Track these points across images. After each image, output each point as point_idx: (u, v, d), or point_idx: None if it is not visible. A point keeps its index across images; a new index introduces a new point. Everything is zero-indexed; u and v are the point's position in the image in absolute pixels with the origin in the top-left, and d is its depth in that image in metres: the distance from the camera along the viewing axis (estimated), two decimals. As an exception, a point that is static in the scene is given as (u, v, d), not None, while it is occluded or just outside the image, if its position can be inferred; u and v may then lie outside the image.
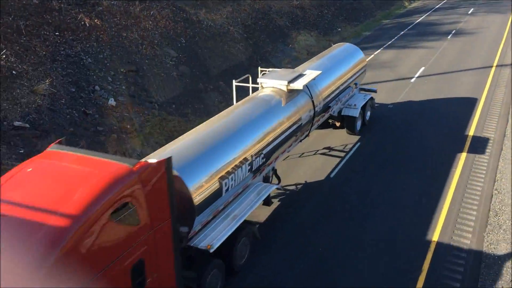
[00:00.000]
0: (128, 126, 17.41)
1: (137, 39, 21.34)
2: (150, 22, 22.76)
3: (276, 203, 13.82)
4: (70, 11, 19.67)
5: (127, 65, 19.85)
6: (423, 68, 26.21)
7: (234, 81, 16.42)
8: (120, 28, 21.07)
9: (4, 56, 15.54)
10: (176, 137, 17.77)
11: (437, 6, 47.55)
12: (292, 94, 14.06)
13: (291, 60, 28.58)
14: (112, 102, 17.82)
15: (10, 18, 17.15)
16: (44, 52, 17.23)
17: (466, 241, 11.71)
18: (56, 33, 18.33)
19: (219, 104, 21.46)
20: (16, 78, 15.49)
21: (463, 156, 15.92)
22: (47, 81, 16.20)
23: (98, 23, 20.35)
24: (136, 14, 22.48)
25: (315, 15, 35.76)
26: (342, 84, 16.89)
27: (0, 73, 15.08)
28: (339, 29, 36.65)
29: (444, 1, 49.23)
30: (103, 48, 19.57)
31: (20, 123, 14.43)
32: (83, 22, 19.63)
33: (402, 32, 36.11)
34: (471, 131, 17.76)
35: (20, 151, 13.85)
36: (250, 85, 16.24)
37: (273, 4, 32.49)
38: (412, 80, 24.23)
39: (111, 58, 19.53)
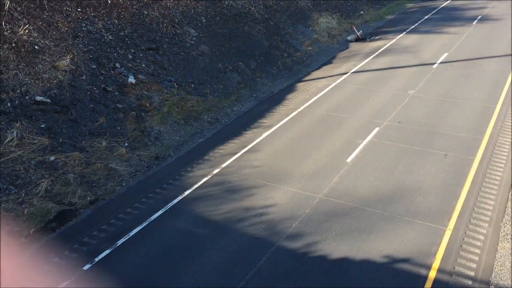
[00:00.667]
0: (147, 104, 17.52)
1: (158, 17, 21.31)
2: (172, 0, 22.68)
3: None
4: (92, -12, 19.69)
5: (147, 43, 19.88)
6: (446, 54, 25.68)
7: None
8: (141, 5, 21.05)
9: (27, 31, 15.68)
10: (194, 117, 18.04)
11: None
12: None
13: (312, 42, 28.26)
14: (132, 79, 17.91)
15: (33, -7, 17.24)
16: (66, 28, 17.35)
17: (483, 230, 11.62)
18: (78, 9, 18.40)
19: (238, 85, 21.42)
20: (39, 53, 15.65)
21: (484, 142, 15.65)
22: (68, 57, 16.34)
23: (120, 0, 20.35)
24: (158, -8, 22.39)
25: None
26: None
27: (23, 47, 15.26)
28: (362, 12, 36.02)
29: (472, -14, 47.91)
30: (124, 26, 19.61)
31: (42, 98, 14.63)
32: (105, -1, 19.65)
33: (426, 17, 35.31)
34: (492, 120, 17.44)
35: (41, 126, 14.08)
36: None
37: (296, -15, 32.01)
38: (435, 66, 23.78)
39: (131, 36, 19.57)
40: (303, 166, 14.55)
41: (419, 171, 14.15)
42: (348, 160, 14.85)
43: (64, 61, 16.06)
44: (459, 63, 24.21)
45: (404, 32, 30.86)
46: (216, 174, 14.30)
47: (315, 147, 15.79)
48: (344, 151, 15.41)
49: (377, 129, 16.92)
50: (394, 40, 29.06)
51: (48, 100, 14.77)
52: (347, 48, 28.69)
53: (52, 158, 13.46)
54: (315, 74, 23.86)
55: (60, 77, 15.66)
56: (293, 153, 15.42)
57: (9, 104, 13.70)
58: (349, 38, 30.06)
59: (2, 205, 11.53)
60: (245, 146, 16.01)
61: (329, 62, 26.10)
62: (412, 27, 32.25)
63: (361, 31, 30.63)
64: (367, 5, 37.73)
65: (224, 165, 14.82)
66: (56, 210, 12.19)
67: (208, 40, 22.55)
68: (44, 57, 15.69)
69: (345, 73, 23.21)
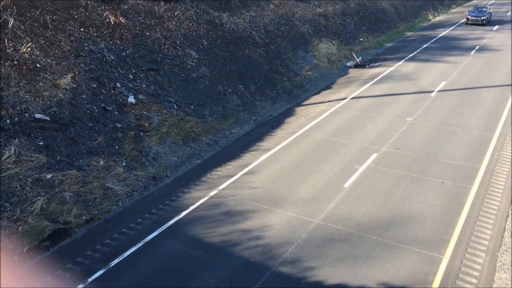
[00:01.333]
0: (146, 124, 17.57)
1: (159, 39, 21.55)
2: (174, 23, 22.97)
3: (288, 209, 13.75)
4: (96, 8, 19.96)
5: (148, 64, 20.06)
6: (444, 82, 25.94)
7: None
8: (144, 27, 21.31)
9: (29, 49, 15.82)
10: (193, 138, 18.07)
11: (461, 21, 47.11)
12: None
13: (311, 67, 28.54)
14: (131, 99, 18.00)
15: (38, 12, 17.46)
16: (68, 47, 17.51)
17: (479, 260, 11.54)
18: (81, 29, 18.61)
19: (237, 108, 21.53)
20: (40, 71, 15.76)
21: (480, 172, 15.69)
22: (69, 75, 16.45)
23: (123, 21, 20.61)
24: (161, 14, 22.70)
25: (337, 23, 35.69)
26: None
27: (25, 65, 15.36)
28: (361, 39, 36.50)
29: (470, 16, 48.71)
30: (126, 46, 19.81)
31: (41, 115, 14.66)
32: (108, 20, 19.90)
33: (425, 45, 35.80)
34: (489, 149, 17.51)
35: (39, 143, 14.08)
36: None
37: (297, 11, 32.52)
38: (433, 94, 23.99)
39: (133, 56, 19.75)
40: (300, 190, 14.53)
41: (417, 198, 14.13)
42: (346, 185, 14.83)
43: (65, 80, 16.16)
44: (457, 91, 24.44)
45: (403, 60, 31.22)
46: (213, 196, 14.25)
47: (313, 171, 15.80)
48: (342, 176, 15.41)
49: (375, 155, 16.96)
50: (393, 67, 29.38)
51: (48, 118, 14.81)
52: (346, 74, 28.98)
53: (49, 176, 13.42)
54: (314, 99, 24.03)
55: (61, 95, 15.73)
56: (290, 177, 15.41)
57: (8, 121, 13.72)
58: (348, 64, 30.39)
59: (-4, 222, 11.45)
60: (243, 169, 16.00)
61: (328, 87, 26.31)
62: (411, 55, 32.65)
63: (360, 57, 31.00)
64: (367, 33, 38.26)
65: (221, 187, 14.78)
66: (51, 228, 12.09)
67: (209, 62, 22.76)
68: (45, 75, 15.80)
69: (344, 99, 23.38)
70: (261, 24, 28.42)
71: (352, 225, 12.71)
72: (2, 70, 14.58)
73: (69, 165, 14.34)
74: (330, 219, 12.95)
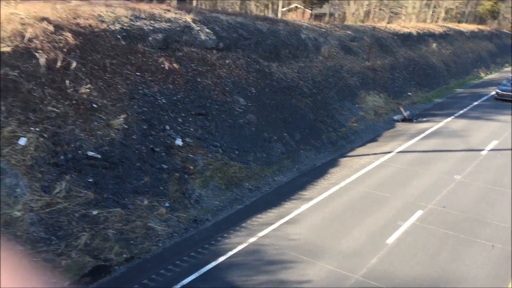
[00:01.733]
0: (191, 167, 17.91)
1: (210, 85, 22.28)
2: (224, 70, 23.75)
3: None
4: (152, 54, 21.00)
5: (197, 108, 20.69)
6: (496, 141, 25.18)
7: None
8: (196, 73, 22.15)
9: (88, 90, 16.73)
10: (236, 183, 18.21)
11: None
12: None
13: (358, 119, 28.50)
14: (179, 142, 18.50)
15: (99, 56, 18.56)
16: (124, 90, 18.39)
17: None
18: (137, 73, 19.56)
19: (281, 155, 21.64)
20: (96, 111, 16.57)
21: (534, 239, 14.84)
22: (122, 116, 17.18)
23: (177, 67, 21.53)
24: (212, 62, 23.57)
25: (385, 77, 35.75)
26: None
27: (82, 105, 16.21)
28: (410, 93, 36.28)
29: (523, 74, 47.70)
30: (177, 91, 20.59)
31: (93, 153, 15.29)
32: (163, 65, 20.85)
33: (476, 103, 35.11)
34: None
35: (89, 180, 14.60)
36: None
37: (345, 63, 32.91)
38: (483, 152, 23.29)
39: (184, 100, 20.46)
40: (341, 243, 14.21)
41: (464, 260, 13.48)
42: (388, 241, 14.40)
43: (118, 120, 16.88)
44: (509, 152, 23.61)
45: (453, 116, 30.67)
46: (253, 243, 14.16)
47: (355, 224, 15.47)
48: (385, 232, 14.99)
49: (420, 212, 16.46)
50: (442, 123, 28.87)
51: (99, 156, 15.41)
52: (393, 127, 28.71)
53: (95, 212, 13.82)
54: (359, 151, 23.84)
55: (113, 135, 16.40)
56: (331, 229, 15.14)
57: (62, 157, 14.38)
58: (395, 117, 30.15)
59: (42, 255, 11.80)
60: (284, 217, 15.89)
61: (374, 139, 26.09)
62: (461, 112, 32.06)
63: (408, 111, 30.72)
64: (416, 87, 38.04)
65: (261, 234, 14.69)
66: (92, 264, 12.32)
67: (256, 109, 23.21)
68: (100, 115, 16.58)
69: (390, 152, 23.06)
70: (309, 74, 28.89)
71: (395, 283, 12.22)
72: (61, 108, 15.44)
73: (114, 203, 14.73)
74: (371, 276, 12.52)
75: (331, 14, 44.67)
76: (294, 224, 15.38)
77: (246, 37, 26.92)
